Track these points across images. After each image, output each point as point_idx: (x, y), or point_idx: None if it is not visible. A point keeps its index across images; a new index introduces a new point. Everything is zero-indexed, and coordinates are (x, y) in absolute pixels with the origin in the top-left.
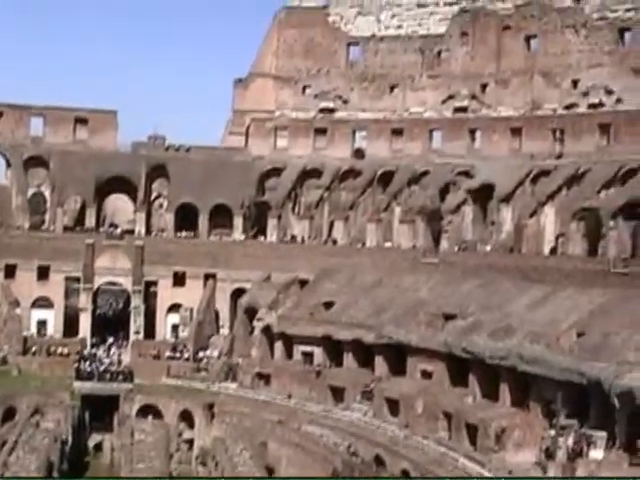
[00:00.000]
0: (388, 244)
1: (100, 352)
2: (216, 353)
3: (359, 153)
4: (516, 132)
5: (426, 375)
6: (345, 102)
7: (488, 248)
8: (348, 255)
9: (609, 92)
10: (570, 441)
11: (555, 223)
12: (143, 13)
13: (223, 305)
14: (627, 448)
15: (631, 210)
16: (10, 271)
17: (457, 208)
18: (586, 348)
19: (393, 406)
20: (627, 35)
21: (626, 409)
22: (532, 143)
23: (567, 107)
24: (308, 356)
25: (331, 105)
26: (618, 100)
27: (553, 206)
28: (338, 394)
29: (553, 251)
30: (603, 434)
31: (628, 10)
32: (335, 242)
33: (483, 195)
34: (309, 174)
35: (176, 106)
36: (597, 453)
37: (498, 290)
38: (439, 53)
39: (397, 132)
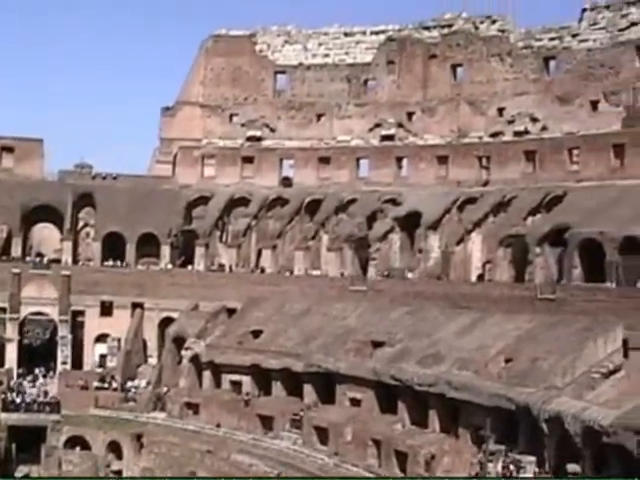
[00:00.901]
0: (316, 272)
1: (27, 383)
2: (144, 383)
3: (286, 181)
4: (443, 160)
5: (355, 403)
6: (272, 130)
7: (410, 275)
8: (276, 283)
9: (534, 120)
10: (499, 466)
11: (482, 250)
12: (69, 41)
13: (151, 334)
14: (556, 472)
15: (557, 237)
16: None
17: (384, 236)
18: (514, 374)
19: (322, 434)
20: (552, 63)
21: (555, 434)
22: (459, 171)
23: (493, 135)
24: (237, 385)
25: (258, 133)
26: (543, 128)
27: (480, 233)
28: (267, 423)
29: (480, 278)
30: (532, 459)
31: (552, 39)
32: (263, 270)
33: (410, 223)
34: (237, 203)
35: (103, 135)
36: (526, 478)
37: (426, 317)
38: (366, 81)
39: (324, 160)
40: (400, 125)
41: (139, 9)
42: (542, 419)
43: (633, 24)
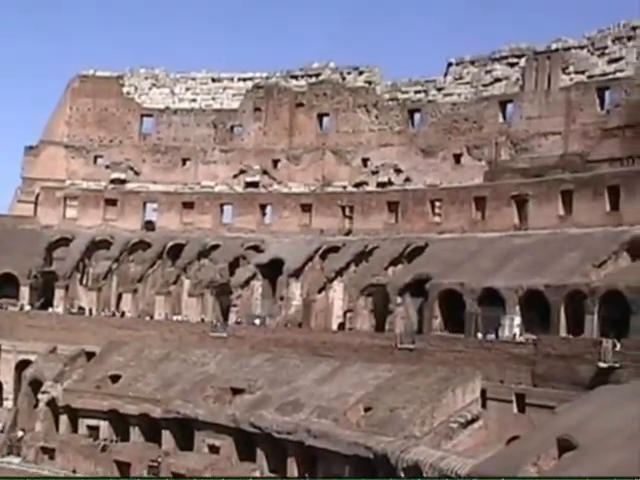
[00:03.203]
0: (177, 317)
1: None
2: None
3: (149, 225)
4: (306, 208)
5: (214, 450)
6: (137, 173)
7: (269, 322)
8: (136, 328)
9: (398, 171)
10: None
11: (343, 299)
12: None
13: (7, 377)
14: None
15: (418, 287)
16: None
17: (246, 282)
18: (373, 423)
19: None
20: (417, 116)
21: None
22: (322, 219)
23: (357, 185)
24: (94, 430)
25: (123, 176)
26: (407, 179)
27: (342, 282)
28: (124, 469)
29: (341, 326)
30: None
31: (418, 92)
32: (123, 314)
33: (273, 270)
34: (98, 245)
35: None
36: None
37: (286, 365)
38: (232, 128)
39: (188, 205)
40: (265, 172)
41: (3, 43)
42: (400, 468)
43: (497, 80)
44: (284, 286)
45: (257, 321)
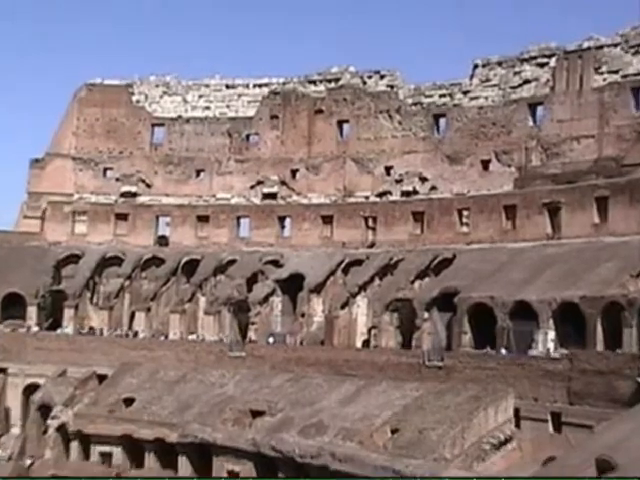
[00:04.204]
0: (193, 337)
1: None
2: (6, 454)
3: (162, 240)
4: (327, 220)
5: (233, 475)
6: (148, 186)
7: (290, 340)
8: (150, 348)
9: (423, 179)
10: None
11: (367, 315)
12: None
13: (14, 402)
14: None
15: (446, 301)
16: None
17: (265, 299)
18: (401, 445)
19: None
20: (442, 121)
21: None
22: (344, 231)
23: (380, 195)
24: (107, 457)
25: (134, 189)
26: (432, 188)
27: (365, 297)
28: None
29: (366, 344)
30: None
31: (443, 96)
32: (136, 334)
33: (293, 285)
34: (109, 262)
35: None
36: None
37: (309, 385)
38: (248, 136)
39: (203, 219)
40: (283, 183)
41: (6, 52)
42: None
43: (526, 81)
44: (305, 302)
45: (271, 339)
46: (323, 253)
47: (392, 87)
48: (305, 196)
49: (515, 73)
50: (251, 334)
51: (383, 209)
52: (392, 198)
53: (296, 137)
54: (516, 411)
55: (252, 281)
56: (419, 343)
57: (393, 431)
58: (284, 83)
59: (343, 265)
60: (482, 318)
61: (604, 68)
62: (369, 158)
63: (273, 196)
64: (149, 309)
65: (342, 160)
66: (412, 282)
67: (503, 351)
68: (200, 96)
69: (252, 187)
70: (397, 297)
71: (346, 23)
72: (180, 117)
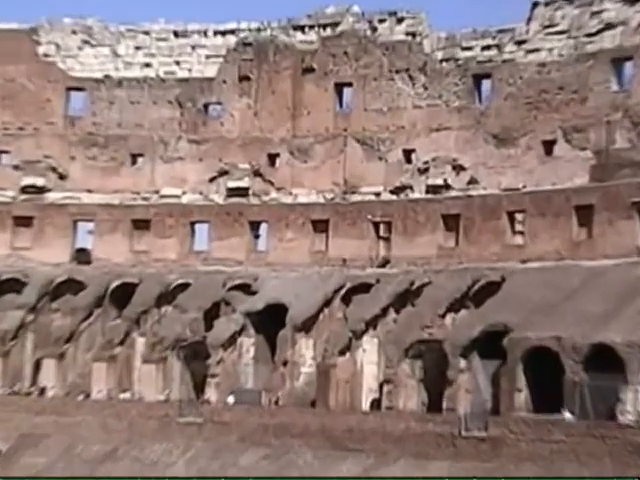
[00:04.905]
0: (126, 395)
1: None
2: None
3: (82, 256)
4: (321, 227)
5: None
6: (62, 177)
7: (266, 399)
8: (63, 412)
9: (458, 168)
10: None
11: (379, 363)
12: None
13: None
14: None
15: (491, 343)
16: None
17: (231, 340)
18: None
19: None
20: (485, 84)
21: None
22: (344, 243)
23: (396, 190)
24: None
25: (40, 182)
26: (471, 181)
27: (375, 337)
28: None
29: (376, 405)
30: None
31: (487, 48)
32: (43, 392)
33: (271, 321)
34: (4, 287)
35: None
36: None
37: (293, 464)
38: (206, 107)
39: (141, 224)
40: (257, 173)
41: None
42: None
43: (608, 26)
44: (288, 345)
45: (236, 399)
46: (315, 274)
47: (414, 35)
48: (289, 193)
49: (593, 14)
50: (210, 391)
51: (401, 211)
52: (414, 196)
53: (276, 108)
54: None
55: (212, 315)
56: (452, 404)
57: None
58: (258, 30)
59: (343, 291)
60: (544, 368)
61: None
62: (381, 138)
63: (243, 192)
64: (62, 355)
65: (342, 141)
66: (442, 316)
67: (570, 416)
68: (137, 48)
69: (212, 180)
70: (421, 338)
71: None
72: (108, 78)
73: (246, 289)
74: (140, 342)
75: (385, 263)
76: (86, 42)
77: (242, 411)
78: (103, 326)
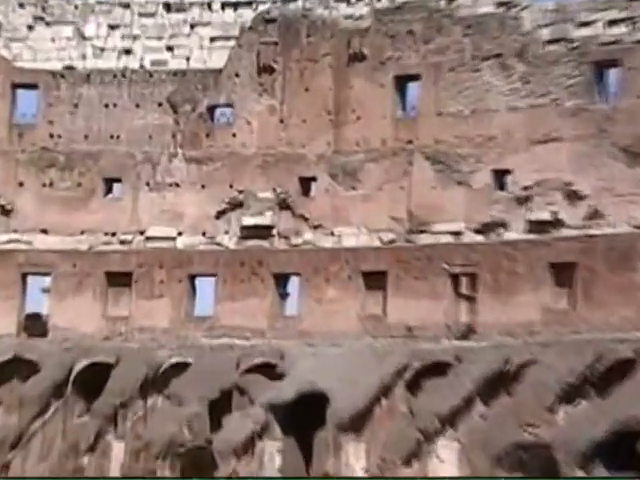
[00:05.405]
0: None
1: None
2: None
3: (36, 323)
4: (376, 281)
5: None
6: (6, 213)
7: None
8: None
9: (574, 196)
10: None
11: (460, 475)
12: None
13: None
14: None
15: (623, 449)
16: None
17: (249, 444)
18: None
19: None
20: (612, 75)
21: None
22: (408, 304)
23: (482, 229)
24: None
25: None
26: (593, 214)
27: (455, 439)
28: None
29: None
30: None
31: (612, 23)
32: None
33: (304, 415)
34: None
35: None
36: None
37: None
38: (211, 110)
39: (117, 279)
40: (284, 205)
41: None
42: None
43: None
44: (330, 451)
45: None
46: (367, 350)
47: (508, 6)
48: (330, 233)
49: None
50: None
51: (491, 259)
52: (509, 236)
53: (311, 112)
54: None
55: (221, 409)
56: None
57: None
58: (284, 1)
59: (408, 375)
60: None
61: None
62: (461, 154)
63: (264, 233)
64: (7, 467)
65: (405, 158)
66: (551, 409)
67: None
68: (112, 27)
69: (220, 215)
70: (521, 440)
71: None
72: (71, 70)
73: (269, 371)
74: (118, 448)
75: (468, 333)
76: (40, 19)
77: None
78: (64, 425)
